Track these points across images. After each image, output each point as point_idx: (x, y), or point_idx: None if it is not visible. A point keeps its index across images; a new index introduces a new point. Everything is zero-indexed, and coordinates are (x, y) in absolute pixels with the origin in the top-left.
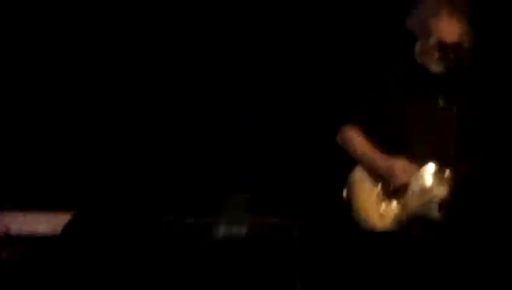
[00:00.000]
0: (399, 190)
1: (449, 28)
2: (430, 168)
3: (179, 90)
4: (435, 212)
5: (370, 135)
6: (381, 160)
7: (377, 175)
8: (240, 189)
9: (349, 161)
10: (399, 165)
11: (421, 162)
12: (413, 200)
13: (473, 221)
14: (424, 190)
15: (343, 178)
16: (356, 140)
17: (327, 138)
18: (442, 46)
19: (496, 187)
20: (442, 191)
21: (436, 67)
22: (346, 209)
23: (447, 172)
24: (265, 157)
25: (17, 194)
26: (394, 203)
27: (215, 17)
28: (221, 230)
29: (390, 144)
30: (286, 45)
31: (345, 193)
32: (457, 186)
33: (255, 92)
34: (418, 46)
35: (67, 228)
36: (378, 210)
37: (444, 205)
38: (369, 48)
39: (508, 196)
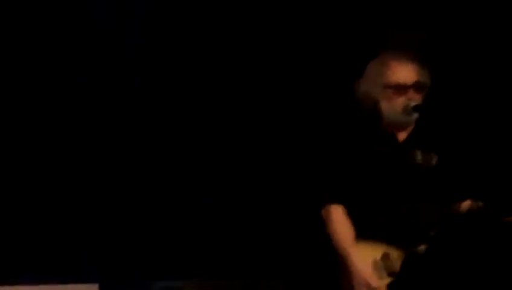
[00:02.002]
0: None
1: (404, 71)
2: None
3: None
4: None
5: (351, 209)
6: (354, 260)
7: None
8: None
9: None
10: (364, 276)
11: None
12: None
13: None
14: None
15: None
16: (337, 226)
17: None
18: (402, 88)
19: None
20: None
21: (406, 115)
22: None
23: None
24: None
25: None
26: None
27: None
28: None
29: (372, 216)
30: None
31: None
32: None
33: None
34: (383, 107)
35: None
36: None
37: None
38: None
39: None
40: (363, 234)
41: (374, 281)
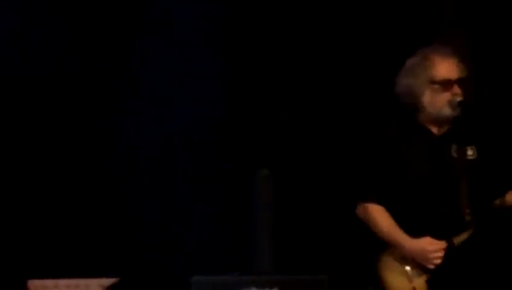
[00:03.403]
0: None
1: (449, 66)
2: None
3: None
4: None
5: (391, 208)
6: (410, 243)
7: (403, 257)
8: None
9: None
10: (430, 247)
11: (443, 222)
12: None
13: None
14: None
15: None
16: (380, 222)
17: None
18: (447, 84)
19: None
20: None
21: (449, 109)
22: None
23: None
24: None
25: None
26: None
27: None
28: None
29: (411, 213)
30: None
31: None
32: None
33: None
34: (426, 99)
35: None
36: None
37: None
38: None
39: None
40: (404, 230)
41: (437, 245)
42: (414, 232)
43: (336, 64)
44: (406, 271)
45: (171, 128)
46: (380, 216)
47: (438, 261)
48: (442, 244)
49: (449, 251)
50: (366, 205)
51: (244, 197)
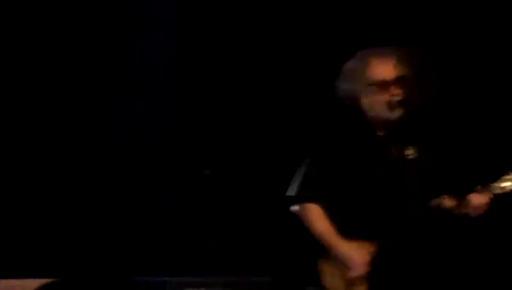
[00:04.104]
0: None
1: (384, 67)
2: None
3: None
4: None
5: (332, 210)
6: (341, 248)
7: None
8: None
9: None
10: (357, 258)
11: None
12: None
13: None
14: None
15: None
16: (316, 223)
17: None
18: (384, 85)
19: None
20: None
21: (390, 110)
22: None
23: None
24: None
25: None
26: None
27: None
28: None
29: (353, 213)
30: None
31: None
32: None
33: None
34: (365, 102)
35: None
36: None
37: None
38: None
39: None
40: (347, 232)
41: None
42: (356, 231)
43: (284, 63)
44: (347, 274)
45: (118, 127)
46: (317, 217)
47: (359, 273)
48: (367, 257)
49: (384, 256)
50: (306, 205)
51: (190, 198)
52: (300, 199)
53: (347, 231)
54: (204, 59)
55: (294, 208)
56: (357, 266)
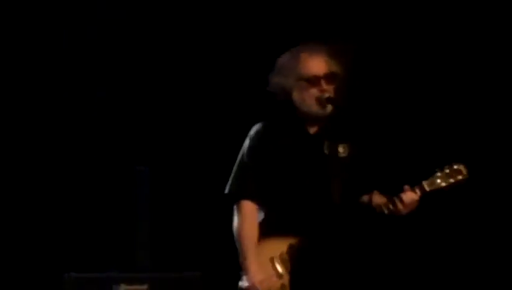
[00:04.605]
0: None
1: (314, 63)
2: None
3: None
4: None
5: (266, 205)
6: (250, 267)
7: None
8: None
9: None
10: (259, 277)
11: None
12: None
13: None
14: None
15: None
16: (243, 222)
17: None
18: (315, 80)
19: None
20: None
21: (318, 106)
22: None
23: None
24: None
25: None
26: None
27: None
28: (122, 287)
29: (285, 210)
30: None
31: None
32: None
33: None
34: (296, 97)
35: None
36: None
37: None
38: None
39: None
40: (276, 227)
41: (264, 286)
42: (288, 228)
43: (218, 59)
44: (276, 269)
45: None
46: (247, 215)
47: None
48: (271, 274)
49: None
50: (241, 202)
51: (122, 194)
52: (235, 196)
53: (272, 226)
54: (139, 56)
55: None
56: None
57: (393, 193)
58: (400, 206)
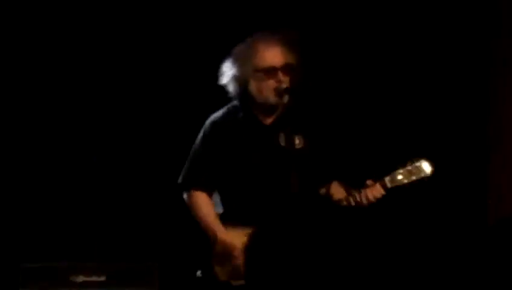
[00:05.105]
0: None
1: (271, 54)
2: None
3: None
4: None
5: (222, 196)
6: (221, 236)
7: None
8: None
9: None
10: (233, 251)
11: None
12: None
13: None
14: None
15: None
16: (200, 209)
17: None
18: (272, 71)
19: None
20: None
21: (275, 97)
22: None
23: None
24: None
25: None
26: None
27: None
28: (80, 278)
29: (241, 201)
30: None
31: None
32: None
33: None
34: (252, 88)
35: None
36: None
37: None
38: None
39: None
40: (232, 218)
41: (239, 250)
42: (245, 219)
43: (174, 53)
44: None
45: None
46: (201, 204)
47: (237, 262)
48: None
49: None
50: (192, 191)
51: (75, 184)
52: (186, 185)
53: (231, 218)
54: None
55: (184, 194)
56: (236, 252)
57: (352, 184)
58: (364, 201)
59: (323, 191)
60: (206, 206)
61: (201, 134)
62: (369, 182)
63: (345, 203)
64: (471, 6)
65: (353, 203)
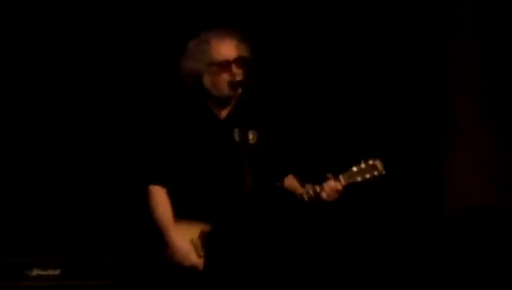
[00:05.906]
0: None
1: (225, 47)
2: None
3: None
4: None
5: (174, 189)
6: (174, 239)
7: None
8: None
9: None
10: (180, 254)
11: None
12: None
13: None
14: None
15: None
16: (157, 206)
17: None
18: (226, 64)
19: None
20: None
21: (230, 89)
22: None
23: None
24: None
25: None
26: None
27: None
28: (35, 272)
29: (196, 196)
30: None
31: None
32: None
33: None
34: (207, 82)
35: None
36: None
37: None
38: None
39: None
40: (186, 213)
41: (193, 257)
42: (199, 215)
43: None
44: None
45: None
46: (157, 201)
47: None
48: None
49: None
50: (150, 187)
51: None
52: (143, 180)
53: (187, 214)
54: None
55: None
56: (182, 261)
57: (309, 179)
58: (323, 195)
59: (277, 185)
60: (162, 204)
61: (156, 129)
62: (329, 175)
63: (299, 197)
64: (425, 7)
65: (306, 198)
